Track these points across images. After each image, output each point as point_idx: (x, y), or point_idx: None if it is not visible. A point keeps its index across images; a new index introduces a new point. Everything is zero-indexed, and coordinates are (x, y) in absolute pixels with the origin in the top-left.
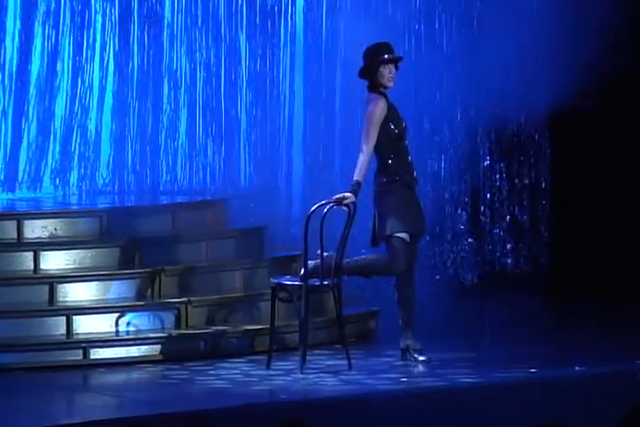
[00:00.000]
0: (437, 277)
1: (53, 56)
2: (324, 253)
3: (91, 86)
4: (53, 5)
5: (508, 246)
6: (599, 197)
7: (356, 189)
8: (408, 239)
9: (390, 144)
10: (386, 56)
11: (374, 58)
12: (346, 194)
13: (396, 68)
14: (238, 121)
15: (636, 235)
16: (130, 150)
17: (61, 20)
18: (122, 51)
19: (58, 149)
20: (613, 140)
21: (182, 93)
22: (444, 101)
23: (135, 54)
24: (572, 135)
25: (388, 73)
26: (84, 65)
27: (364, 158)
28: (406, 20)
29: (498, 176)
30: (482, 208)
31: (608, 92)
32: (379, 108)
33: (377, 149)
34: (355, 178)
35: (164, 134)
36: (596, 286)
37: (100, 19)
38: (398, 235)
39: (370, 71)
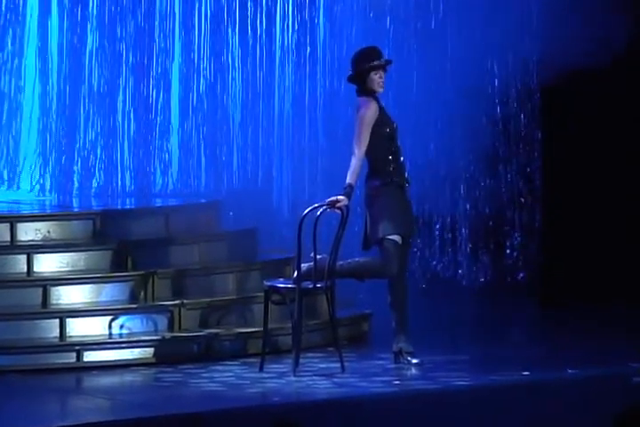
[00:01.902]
0: (423, 285)
1: (43, 56)
2: (318, 256)
3: (82, 87)
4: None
5: (501, 249)
6: (595, 194)
7: (348, 192)
8: (400, 241)
9: (383, 145)
10: (376, 62)
11: (364, 64)
12: (339, 197)
13: (385, 71)
14: (230, 123)
15: (630, 238)
16: (123, 153)
17: (50, 21)
18: (113, 51)
19: (53, 151)
20: (610, 139)
21: (174, 95)
22: (437, 94)
23: (127, 55)
24: (566, 134)
25: (378, 78)
26: (75, 65)
27: (356, 162)
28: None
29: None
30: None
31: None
32: (370, 111)
33: (370, 151)
34: (347, 181)
35: (156, 137)
36: (589, 289)
37: (92, 18)
38: (390, 237)
39: (360, 77)
